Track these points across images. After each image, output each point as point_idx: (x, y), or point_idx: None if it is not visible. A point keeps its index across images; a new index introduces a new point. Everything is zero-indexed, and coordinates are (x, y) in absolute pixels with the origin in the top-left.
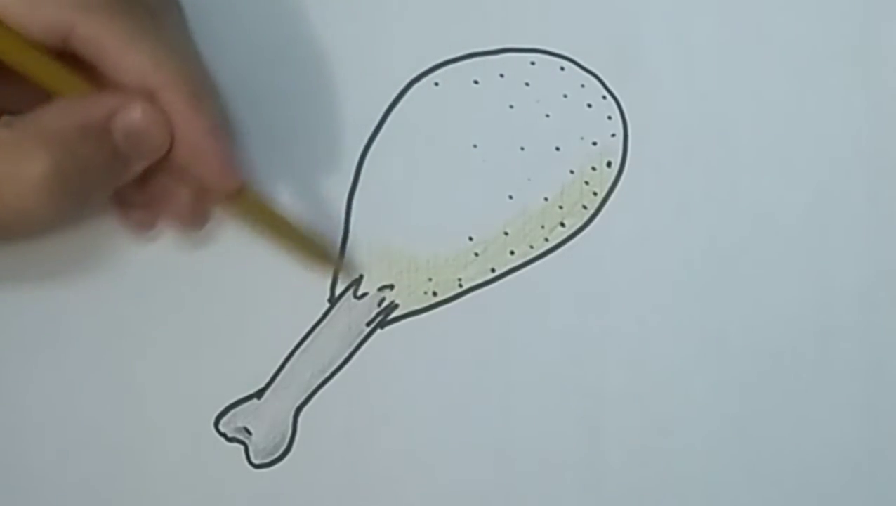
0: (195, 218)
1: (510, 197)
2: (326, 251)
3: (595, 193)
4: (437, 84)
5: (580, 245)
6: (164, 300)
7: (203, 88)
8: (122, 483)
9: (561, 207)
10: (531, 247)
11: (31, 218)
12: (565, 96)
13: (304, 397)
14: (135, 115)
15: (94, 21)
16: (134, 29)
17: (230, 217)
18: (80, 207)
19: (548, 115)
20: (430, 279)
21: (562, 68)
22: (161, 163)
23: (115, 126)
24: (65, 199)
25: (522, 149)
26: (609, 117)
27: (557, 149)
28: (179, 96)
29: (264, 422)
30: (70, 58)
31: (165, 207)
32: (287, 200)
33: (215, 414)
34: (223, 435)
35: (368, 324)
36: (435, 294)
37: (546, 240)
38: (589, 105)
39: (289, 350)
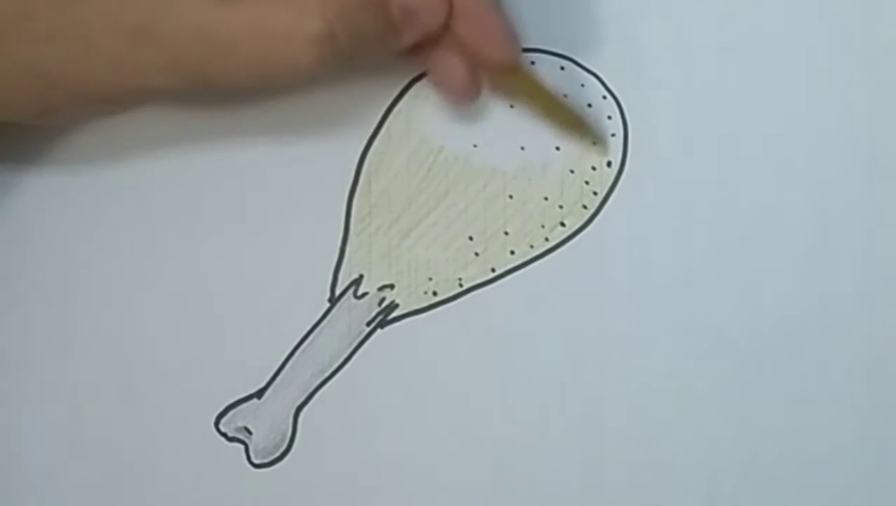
0: (468, 92)
1: (510, 197)
2: (595, 131)
3: (595, 193)
4: None
5: (580, 245)
6: (163, 299)
7: None
8: (123, 483)
9: (561, 207)
10: (531, 247)
11: (297, 74)
12: (565, 96)
13: (304, 397)
14: None
15: None
16: None
17: (500, 94)
18: (345, 70)
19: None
20: (430, 279)
21: (562, 68)
22: (442, 35)
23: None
24: (333, 62)
25: (522, 149)
26: (609, 117)
27: (557, 149)
28: None
29: (264, 422)
30: None
31: (441, 78)
32: (287, 199)
33: (215, 414)
34: (223, 435)
35: (368, 324)
36: (435, 294)
37: (546, 240)
38: (589, 105)
39: (289, 350)
